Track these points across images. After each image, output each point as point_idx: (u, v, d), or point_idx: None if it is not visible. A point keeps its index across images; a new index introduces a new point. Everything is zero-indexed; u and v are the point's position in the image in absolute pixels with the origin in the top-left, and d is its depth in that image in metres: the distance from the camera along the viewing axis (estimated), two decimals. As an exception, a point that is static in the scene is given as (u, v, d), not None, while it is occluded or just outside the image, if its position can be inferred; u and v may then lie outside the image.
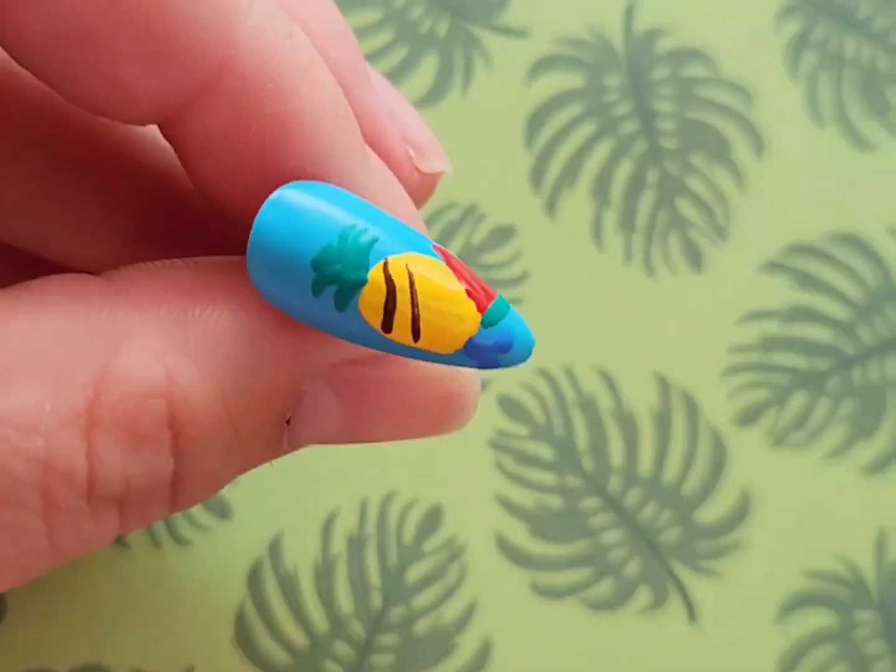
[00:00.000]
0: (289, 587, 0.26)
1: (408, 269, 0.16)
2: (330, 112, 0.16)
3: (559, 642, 0.26)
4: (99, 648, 0.25)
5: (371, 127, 0.20)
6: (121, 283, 0.16)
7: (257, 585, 0.26)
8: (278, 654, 0.25)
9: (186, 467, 0.16)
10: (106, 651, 0.25)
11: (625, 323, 0.28)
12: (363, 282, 0.16)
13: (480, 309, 0.16)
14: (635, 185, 0.29)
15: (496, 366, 0.16)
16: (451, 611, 0.26)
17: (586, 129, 0.29)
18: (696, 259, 0.28)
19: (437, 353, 0.16)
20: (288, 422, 0.17)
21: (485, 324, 0.16)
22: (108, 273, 0.17)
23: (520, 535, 0.26)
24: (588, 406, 0.27)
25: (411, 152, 0.20)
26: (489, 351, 0.16)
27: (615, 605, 0.26)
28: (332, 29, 0.20)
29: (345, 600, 0.26)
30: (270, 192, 0.16)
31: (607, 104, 0.29)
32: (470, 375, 0.18)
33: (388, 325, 0.16)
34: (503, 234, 0.28)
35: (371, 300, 0.16)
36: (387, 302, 0.16)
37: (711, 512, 0.27)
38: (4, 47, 0.16)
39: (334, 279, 0.16)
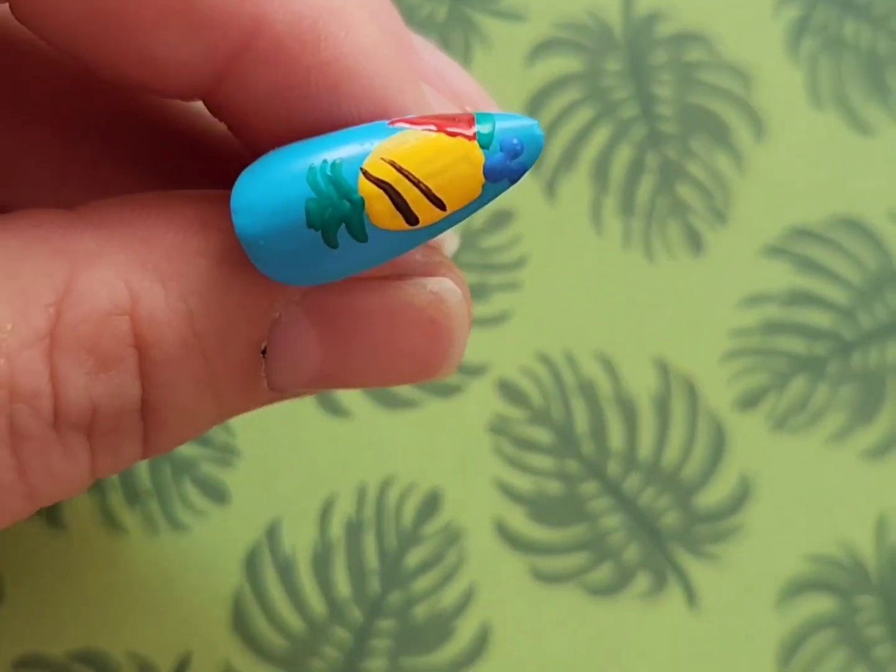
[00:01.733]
0: (286, 572, 0.26)
1: (385, 161, 0.15)
2: (373, 50, 0.16)
3: (558, 627, 0.26)
4: (95, 633, 0.25)
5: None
6: (85, 210, 0.16)
7: (255, 570, 0.25)
8: (276, 640, 0.25)
9: (155, 395, 0.16)
10: (102, 636, 0.25)
11: (624, 307, 0.28)
12: (361, 202, 0.15)
13: (469, 137, 0.15)
14: (635, 170, 0.28)
15: (524, 169, 0.16)
16: (450, 596, 0.26)
17: (585, 114, 0.29)
18: (695, 243, 0.28)
19: (474, 202, 0.16)
20: (265, 352, 0.16)
21: (483, 145, 0.15)
22: (75, 206, 0.16)
23: (519, 519, 0.26)
24: (587, 391, 0.27)
25: (468, 109, 0.19)
26: (506, 163, 0.16)
27: (614, 590, 0.26)
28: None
29: (343, 585, 0.26)
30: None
31: (606, 88, 0.29)
32: (456, 305, 0.17)
33: (411, 217, 0.15)
34: (502, 218, 0.28)
35: (380, 209, 0.15)
36: (393, 200, 0.15)
37: (711, 496, 0.27)
38: (36, 33, 0.16)
39: (337, 220, 0.15)
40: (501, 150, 0.16)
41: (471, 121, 0.16)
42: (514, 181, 0.16)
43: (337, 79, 0.16)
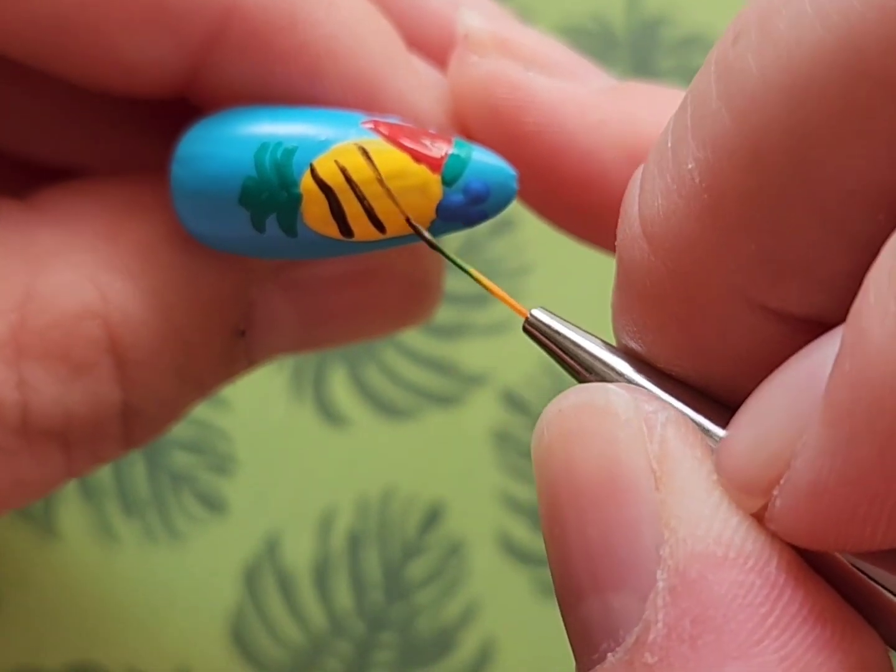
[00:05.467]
0: (287, 584, 0.25)
1: (338, 165, 0.14)
2: (358, 29, 0.15)
3: (562, 640, 0.25)
4: (92, 646, 0.25)
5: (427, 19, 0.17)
6: (41, 204, 0.15)
7: (254, 582, 0.25)
8: (276, 653, 0.25)
9: (138, 396, 0.15)
10: (99, 649, 0.24)
11: (629, 315, 0.27)
12: (298, 198, 0.14)
13: (435, 168, 0.14)
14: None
15: (483, 217, 0.15)
16: (453, 608, 0.25)
17: (589, 119, 0.28)
18: (701, 250, 0.28)
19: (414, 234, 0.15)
20: (244, 334, 0.16)
21: (447, 181, 0.14)
22: (29, 197, 0.16)
23: (522, 531, 0.26)
24: (591, 400, 0.27)
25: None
26: (465, 207, 0.14)
27: (619, 603, 0.26)
28: None
29: (345, 597, 0.25)
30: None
31: (611, 94, 0.29)
32: (429, 255, 0.17)
33: (346, 229, 0.14)
34: (506, 226, 0.28)
35: (316, 212, 0.14)
36: (332, 208, 0.14)
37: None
38: None
39: (269, 207, 0.14)
40: (464, 192, 0.14)
41: (444, 150, 0.14)
42: (470, 225, 0.15)
43: (318, 62, 0.15)
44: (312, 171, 0.14)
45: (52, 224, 0.15)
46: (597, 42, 0.29)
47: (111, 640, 0.25)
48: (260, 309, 0.16)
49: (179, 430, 0.26)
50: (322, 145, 0.14)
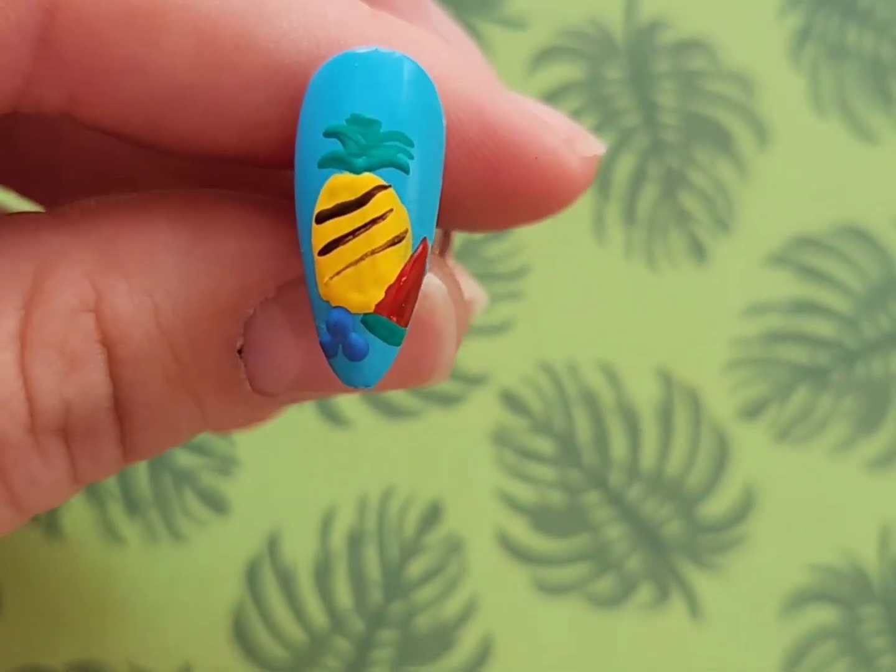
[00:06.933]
0: (287, 583, 0.25)
1: (389, 208, 0.14)
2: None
3: (561, 638, 0.26)
4: (95, 645, 0.25)
5: (520, 125, 0.16)
6: (57, 210, 0.16)
7: (255, 581, 0.25)
8: (277, 651, 0.25)
9: (127, 394, 0.15)
10: (102, 647, 0.25)
11: (626, 317, 0.27)
12: (353, 168, 0.14)
13: (380, 306, 0.14)
14: (637, 179, 0.28)
15: (329, 355, 0.14)
16: (452, 606, 0.26)
17: (587, 122, 0.29)
18: (698, 252, 0.28)
19: (322, 299, 0.14)
20: (241, 352, 0.16)
21: (368, 323, 0.14)
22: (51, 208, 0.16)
23: (521, 530, 0.26)
24: (589, 400, 0.27)
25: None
26: (332, 334, 0.14)
27: (617, 601, 0.26)
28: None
29: (344, 596, 0.25)
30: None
31: (608, 97, 0.29)
32: (440, 301, 0.16)
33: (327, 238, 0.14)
34: (504, 227, 0.28)
35: (337, 189, 0.14)
36: (344, 206, 0.14)
37: (714, 506, 0.26)
38: (96, 127, 0.15)
39: (338, 138, 0.13)
40: (344, 335, 0.14)
41: (396, 311, 0.14)
42: (322, 342, 0.14)
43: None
44: (383, 186, 0.14)
45: (62, 228, 0.15)
46: (595, 46, 0.29)
47: (113, 639, 0.25)
48: (258, 327, 0.16)
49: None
50: (410, 192, 0.14)
